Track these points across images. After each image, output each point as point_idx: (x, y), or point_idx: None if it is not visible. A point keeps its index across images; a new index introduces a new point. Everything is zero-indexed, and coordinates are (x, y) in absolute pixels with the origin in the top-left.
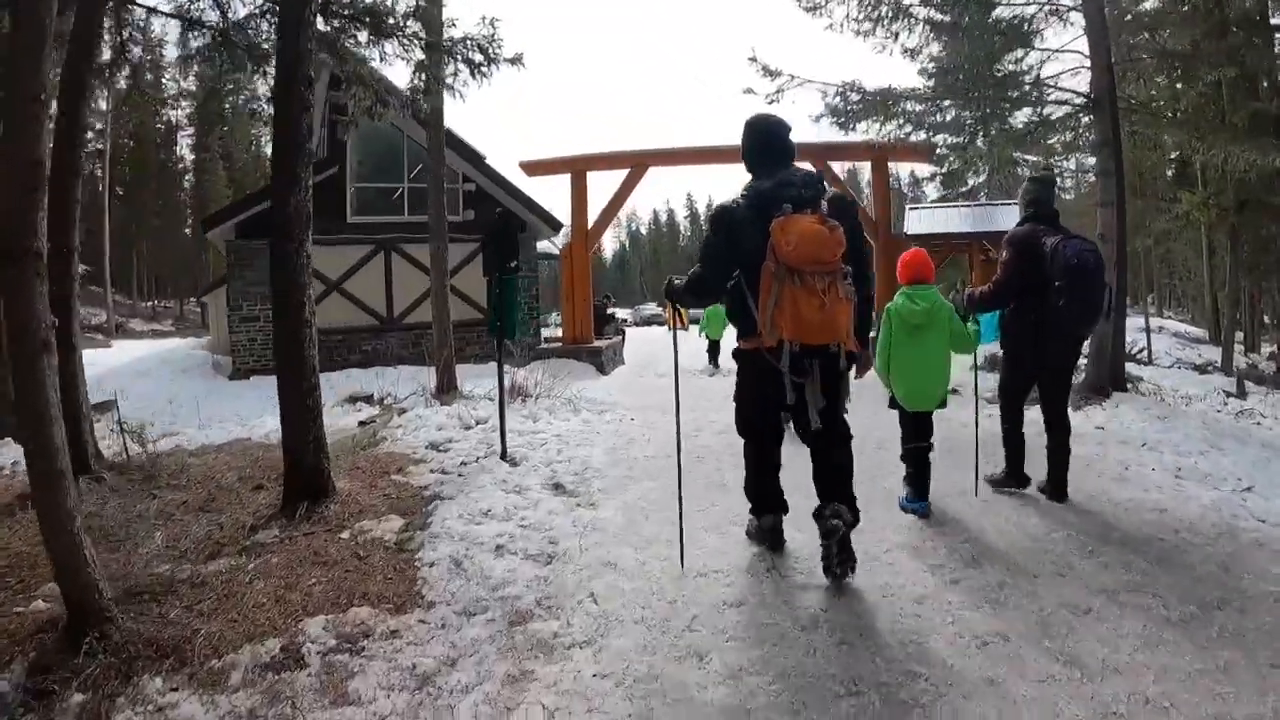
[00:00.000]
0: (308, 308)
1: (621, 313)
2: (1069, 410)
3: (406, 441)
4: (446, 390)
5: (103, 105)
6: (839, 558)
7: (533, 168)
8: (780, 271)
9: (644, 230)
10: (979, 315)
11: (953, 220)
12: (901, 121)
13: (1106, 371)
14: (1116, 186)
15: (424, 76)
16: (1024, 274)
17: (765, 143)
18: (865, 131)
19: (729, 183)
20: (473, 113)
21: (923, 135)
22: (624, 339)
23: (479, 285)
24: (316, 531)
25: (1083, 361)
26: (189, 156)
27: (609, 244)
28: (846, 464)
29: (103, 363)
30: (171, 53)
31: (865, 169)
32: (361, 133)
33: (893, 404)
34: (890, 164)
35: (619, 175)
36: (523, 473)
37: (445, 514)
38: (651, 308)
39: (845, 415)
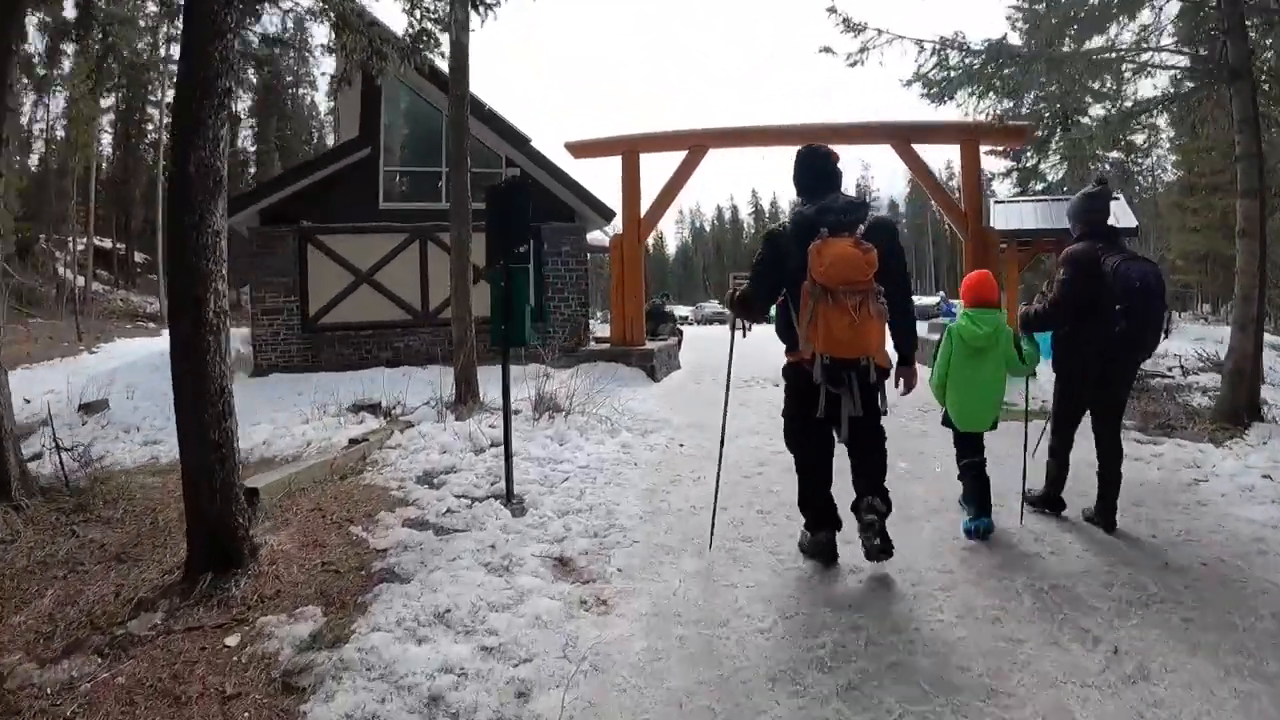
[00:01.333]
0: (212, 304)
1: (682, 310)
2: (1120, 436)
3: (397, 469)
4: (465, 400)
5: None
6: (879, 546)
7: (580, 149)
8: (816, 290)
9: (708, 227)
10: (1033, 334)
11: (1043, 216)
12: (1000, 95)
13: (1244, 396)
14: (1258, 172)
15: (417, 13)
16: (1082, 293)
17: (811, 172)
18: (960, 105)
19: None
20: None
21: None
22: (680, 341)
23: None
24: (204, 626)
25: (1209, 382)
26: (250, 149)
27: (671, 239)
28: (880, 461)
29: (131, 353)
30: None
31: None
32: (397, 112)
33: (946, 422)
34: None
35: (675, 158)
36: (523, 530)
37: (384, 614)
38: (713, 305)
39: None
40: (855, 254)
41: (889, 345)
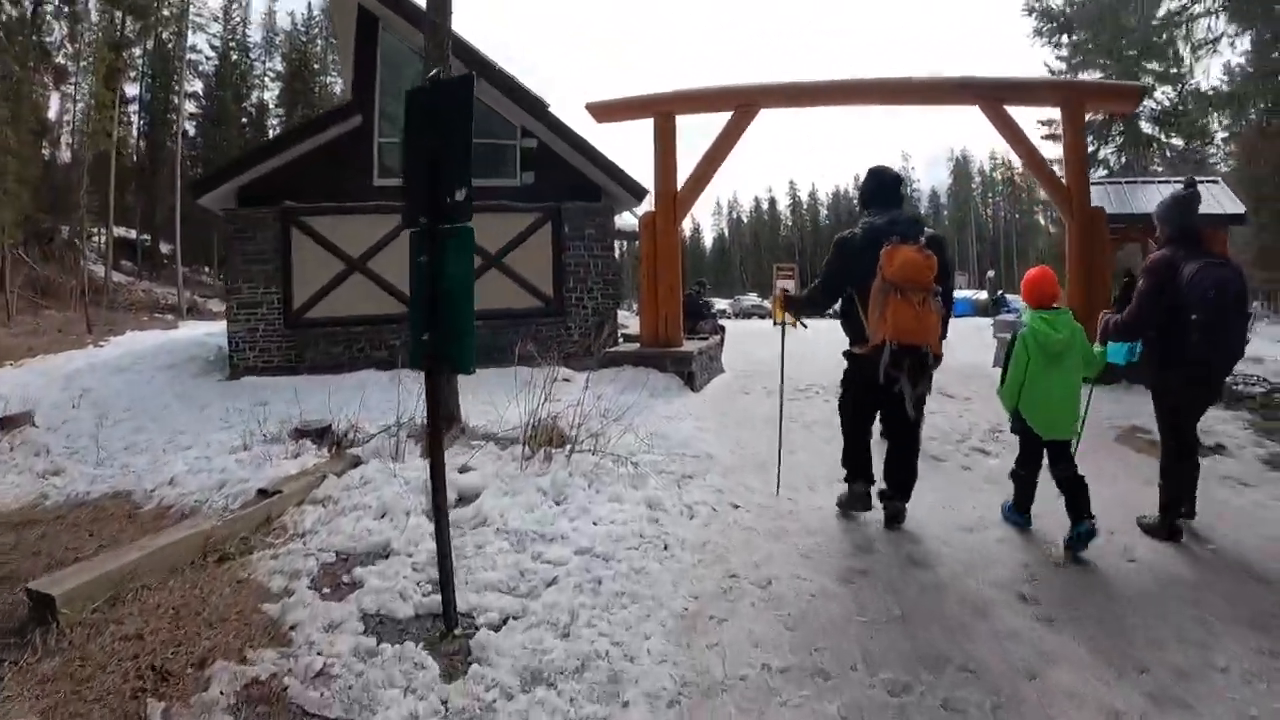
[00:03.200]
0: None
1: (720, 303)
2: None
3: (304, 548)
4: (443, 422)
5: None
6: (896, 522)
7: (604, 111)
8: (885, 287)
9: (745, 218)
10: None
11: (1151, 198)
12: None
13: None
14: None
15: None
16: (1161, 305)
17: (882, 188)
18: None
19: (837, 160)
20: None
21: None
22: (723, 339)
23: (540, 265)
24: None
25: None
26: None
27: (708, 230)
28: (912, 468)
29: (135, 348)
30: (256, 34)
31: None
32: (396, 74)
33: (1017, 429)
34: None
35: (718, 121)
36: None
37: None
38: (752, 298)
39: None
40: (921, 259)
41: None
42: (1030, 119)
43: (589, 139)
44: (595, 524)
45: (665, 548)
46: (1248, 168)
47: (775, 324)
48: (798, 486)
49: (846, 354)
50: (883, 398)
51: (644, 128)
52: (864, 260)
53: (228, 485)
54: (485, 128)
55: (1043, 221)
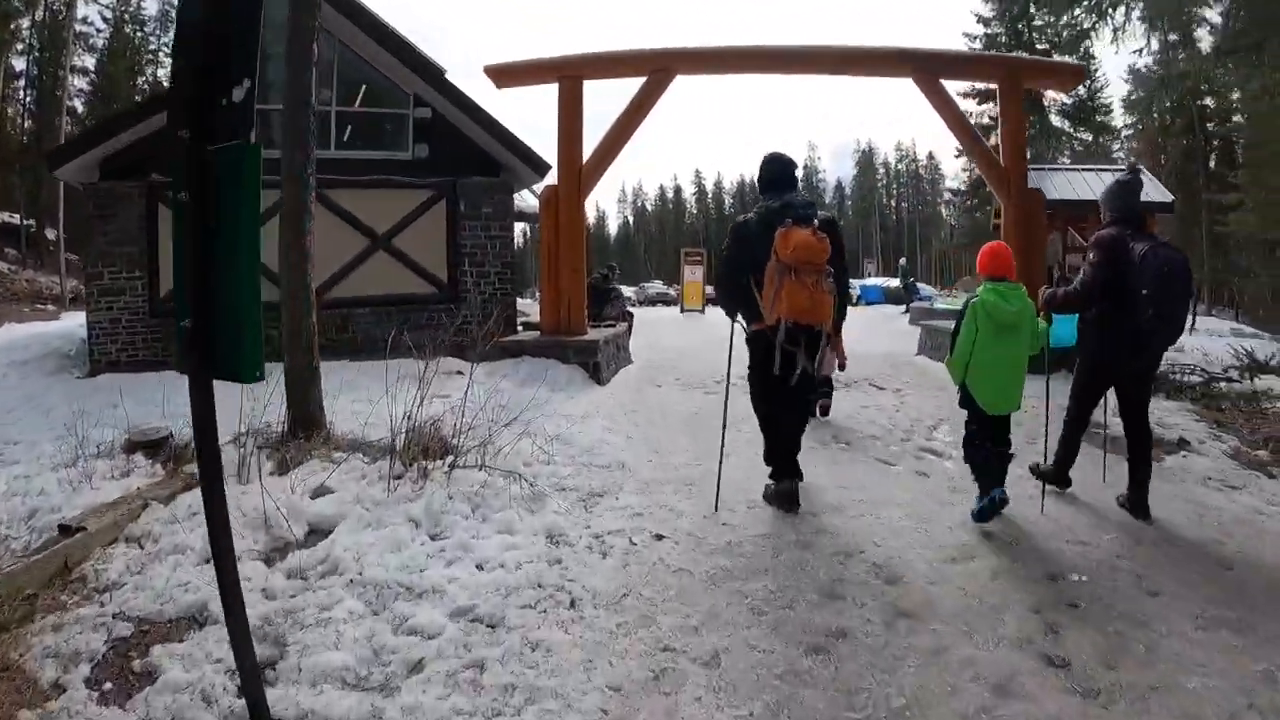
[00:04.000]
0: None
1: (625, 290)
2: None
3: (96, 612)
4: (303, 427)
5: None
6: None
7: (504, 74)
8: (780, 268)
9: (649, 206)
10: (1057, 316)
11: (1086, 186)
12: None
13: None
14: None
15: None
16: (1111, 278)
17: (777, 174)
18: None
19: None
20: None
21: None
22: (631, 327)
23: (433, 247)
24: None
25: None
26: None
27: (613, 218)
28: (803, 414)
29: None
30: (152, 6)
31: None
32: (276, 38)
33: (964, 403)
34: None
35: (630, 87)
36: None
37: None
38: (658, 285)
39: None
40: (814, 240)
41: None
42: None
43: (490, 110)
44: (479, 568)
45: (572, 604)
46: (1148, 162)
47: (683, 311)
48: (734, 505)
49: (748, 338)
50: (782, 374)
51: (549, 96)
52: (761, 244)
53: (39, 514)
54: (375, 95)
55: (945, 214)
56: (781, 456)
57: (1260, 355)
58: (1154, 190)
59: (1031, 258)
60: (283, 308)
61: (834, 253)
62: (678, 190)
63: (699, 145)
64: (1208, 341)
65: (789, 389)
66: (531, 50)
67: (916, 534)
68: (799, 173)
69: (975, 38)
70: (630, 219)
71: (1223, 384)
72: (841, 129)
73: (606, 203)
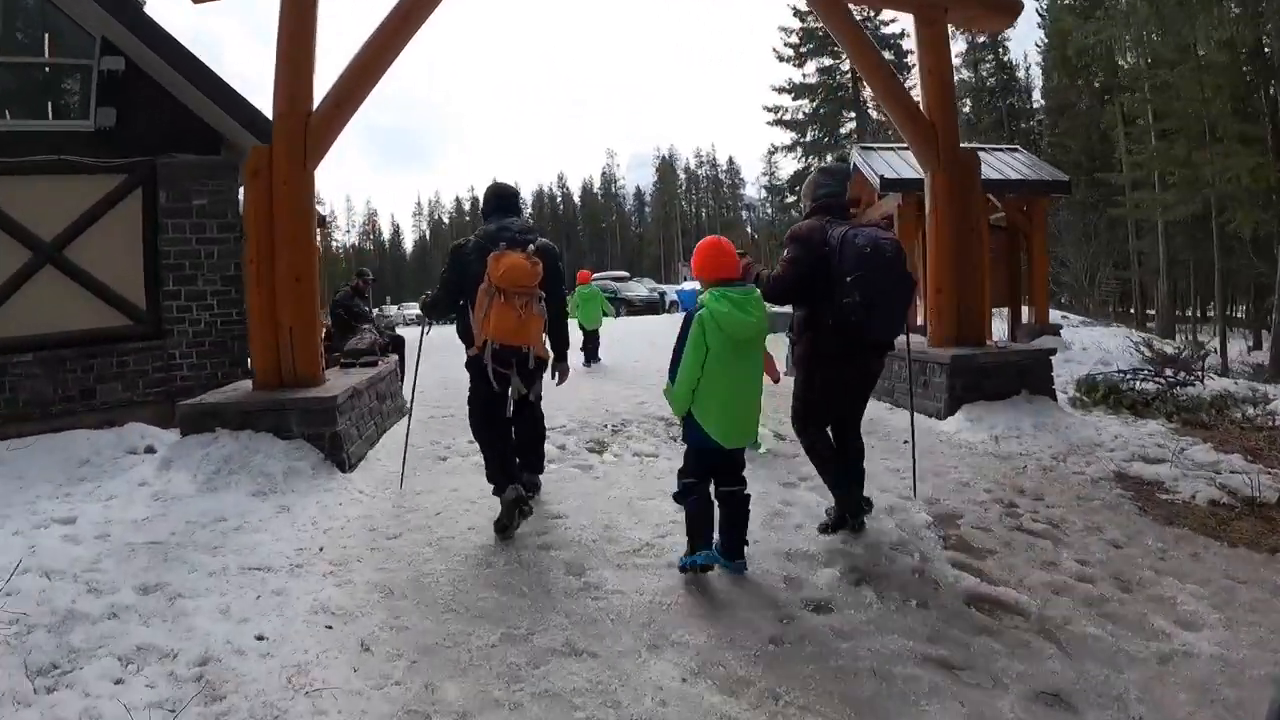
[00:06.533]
0: None
1: (397, 309)
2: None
3: None
4: None
5: None
6: (522, 513)
7: None
8: (490, 290)
9: (447, 219)
10: (679, 290)
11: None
12: None
13: None
14: None
15: None
16: (806, 274)
17: (495, 201)
18: None
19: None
20: None
21: None
22: (404, 358)
23: (124, 258)
24: None
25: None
26: None
27: (409, 234)
28: (539, 444)
29: None
30: None
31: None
32: None
33: (689, 437)
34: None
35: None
36: None
37: None
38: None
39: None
40: (525, 264)
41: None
42: None
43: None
44: None
45: None
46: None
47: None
48: None
49: (467, 362)
50: (499, 392)
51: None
52: (476, 265)
53: None
54: (35, 35)
55: (745, 215)
56: (500, 468)
57: (1168, 350)
58: (1043, 171)
59: (966, 243)
60: None
61: (549, 277)
62: (475, 201)
63: (496, 154)
64: (1088, 335)
65: (508, 419)
66: None
67: None
68: (521, 201)
69: None
70: (428, 234)
71: (1179, 389)
72: (640, 138)
73: (402, 216)
